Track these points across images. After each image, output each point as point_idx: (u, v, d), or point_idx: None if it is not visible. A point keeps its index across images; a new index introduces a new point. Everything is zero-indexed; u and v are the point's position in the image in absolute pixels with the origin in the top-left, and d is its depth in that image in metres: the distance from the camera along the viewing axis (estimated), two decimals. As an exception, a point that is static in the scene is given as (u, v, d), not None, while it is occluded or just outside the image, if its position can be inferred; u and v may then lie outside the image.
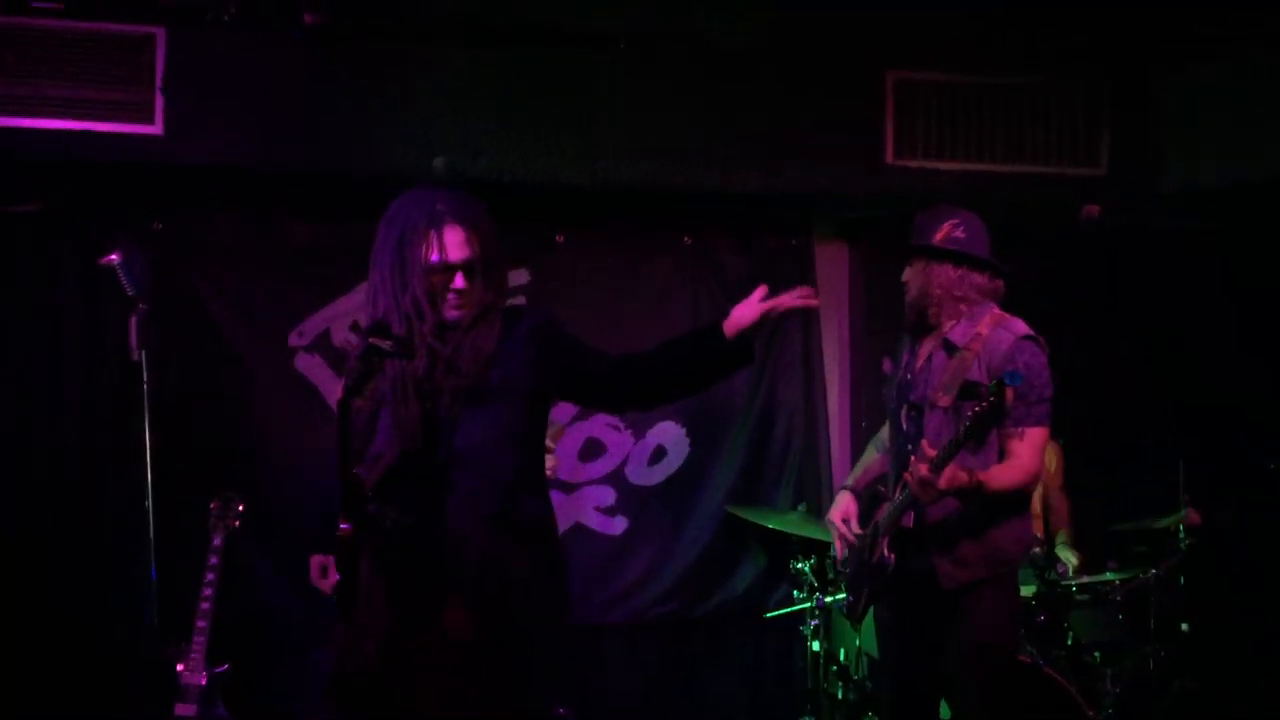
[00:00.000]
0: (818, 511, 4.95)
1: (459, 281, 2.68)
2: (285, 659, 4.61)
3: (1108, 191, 4.63)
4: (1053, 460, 4.61)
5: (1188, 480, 4.32)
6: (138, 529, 3.09)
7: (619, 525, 4.96)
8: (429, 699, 2.66)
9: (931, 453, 2.96)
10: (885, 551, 3.20)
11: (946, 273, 3.22)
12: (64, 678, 4.39)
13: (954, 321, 3.22)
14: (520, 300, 4.89)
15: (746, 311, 2.69)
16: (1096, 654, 4.10)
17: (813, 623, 4.29)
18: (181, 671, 4.00)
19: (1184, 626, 4.21)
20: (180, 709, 3.97)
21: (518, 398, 2.71)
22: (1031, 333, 3.17)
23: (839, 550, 3.46)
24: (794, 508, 4.75)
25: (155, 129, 4.14)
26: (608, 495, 4.94)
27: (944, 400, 3.15)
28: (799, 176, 4.63)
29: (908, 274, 3.32)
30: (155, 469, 3.12)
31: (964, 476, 2.99)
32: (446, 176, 4.32)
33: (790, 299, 2.69)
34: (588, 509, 4.93)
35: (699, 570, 4.99)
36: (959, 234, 3.24)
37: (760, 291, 2.70)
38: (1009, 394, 2.91)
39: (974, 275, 3.24)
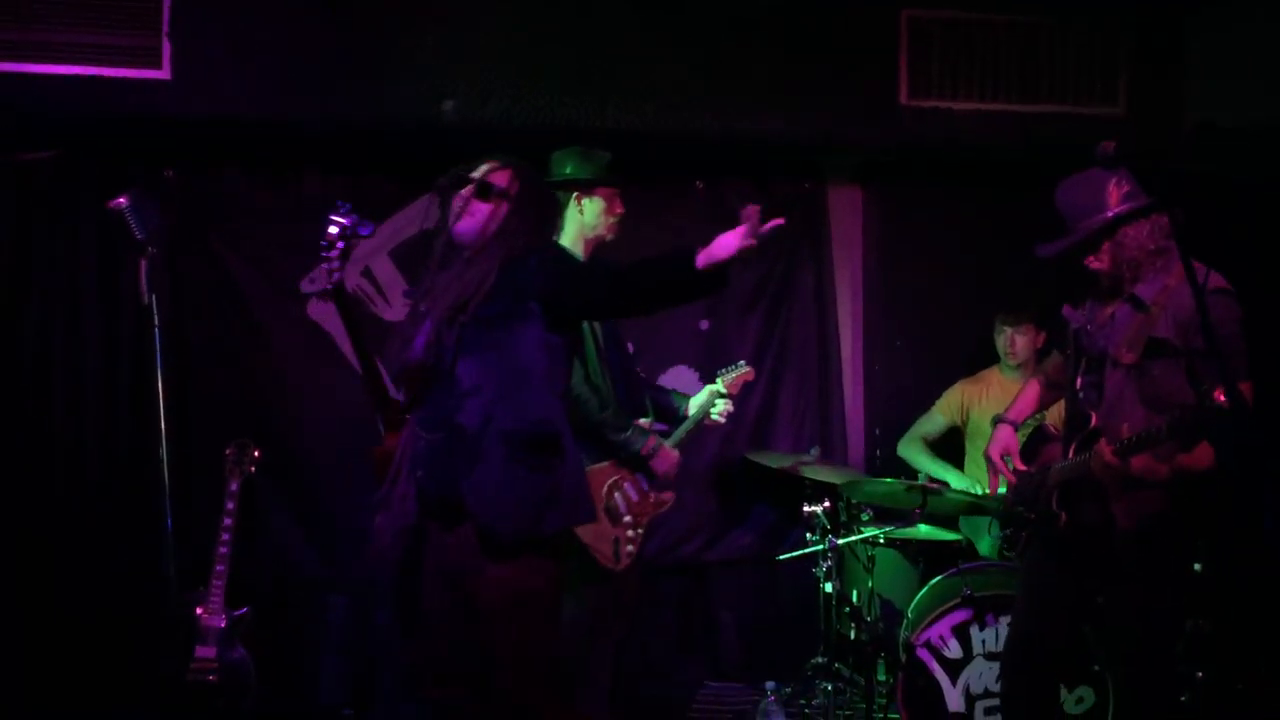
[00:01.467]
0: (830, 455, 4.96)
1: (466, 191, 2.99)
2: (302, 602, 4.67)
3: (1126, 131, 4.57)
4: None
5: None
6: (155, 473, 3.12)
7: (633, 470, 4.97)
8: (440, 612, 2.90)
9: (1125, 433, 2.83)
10: (1054, 505, 3.12)
11: (1135, 233, 3.04)
12: (85, 621, 4.47)
13: (1145, 277, 3.06)
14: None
15: (727, 243, 2.73)
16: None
17: (825, 565, 4.30)
18: (200, 615, 4.06)
19: (1196, 567, 4.21)
20: (200, 651, 4.02)
21: (527, 320, 2.88)
22: (1224, 285, 2.98)
23: (993, 485, 3.36)
24: (807, 451, 4.75)
25: (164, 74, 4.13)
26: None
27: (1128, 357, 3.01)
28: (811, 119, 4.58)
29: (1093, 260, 3.13)
30: (171, 415, 3.15)
31: (1163, 469, 2.89)
32: (455, 121, 4.30)
33: (760, 228, 2.73)
34: (602, 454, 4.94)
35: (713, 514, 5.02)
36: (1126, 187, 3.07)
37: (746, 226, 2.73)
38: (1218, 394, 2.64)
39: (1159, 218, 3.03)
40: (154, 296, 2.81)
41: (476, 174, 2.98)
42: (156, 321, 2.84)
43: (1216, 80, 4.59)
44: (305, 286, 4.75)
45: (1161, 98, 4.66)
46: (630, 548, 3.79)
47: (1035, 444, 3.35)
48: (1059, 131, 4.60)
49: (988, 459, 3.37)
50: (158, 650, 4.10)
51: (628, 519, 3.80)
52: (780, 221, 2.73)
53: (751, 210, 2.67)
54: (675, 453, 3.87)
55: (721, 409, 4.02)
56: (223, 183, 4.73)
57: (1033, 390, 3.48)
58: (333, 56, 4.26)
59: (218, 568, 4.08)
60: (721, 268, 2.72)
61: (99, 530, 4.53)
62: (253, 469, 4.23)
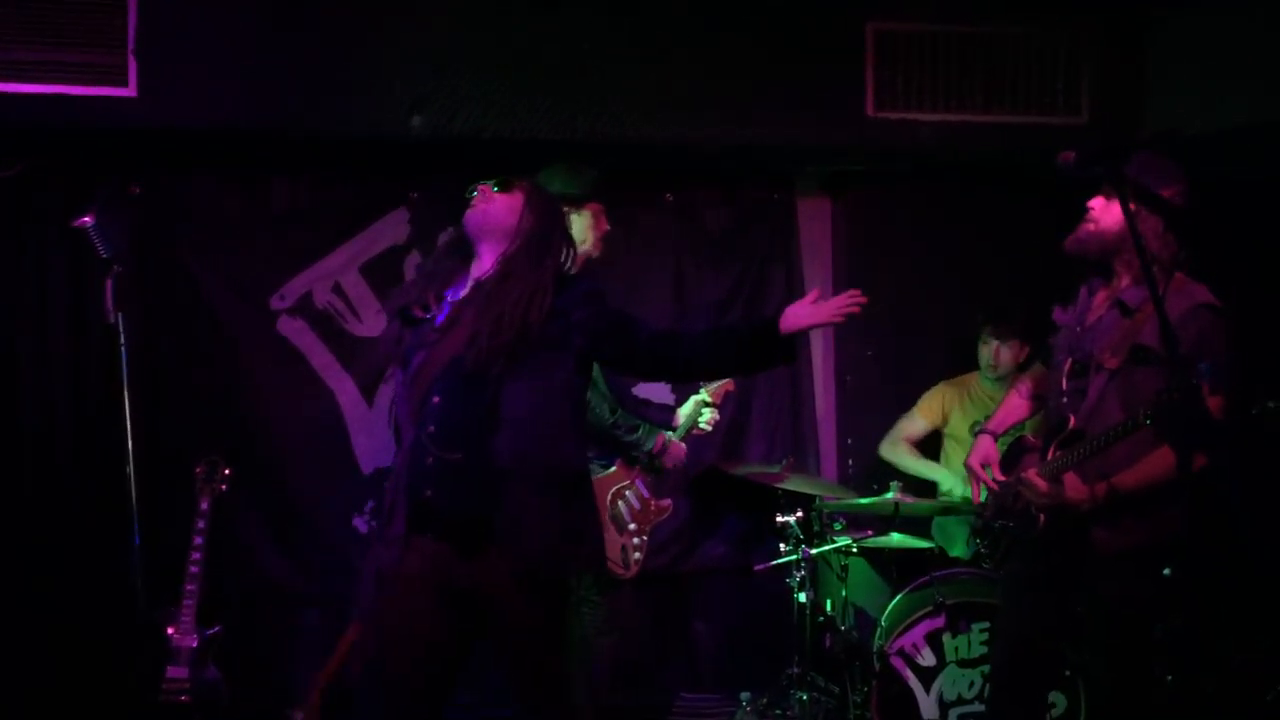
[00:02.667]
0: (802, 465, 4.98)
1: (482, 186, 2.98)
2: (276, 620, 4.64)
3: (1089, 140, 4.62)
4: None
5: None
6: (123, 493, 3.09)
7: (606, 482, 4.98)
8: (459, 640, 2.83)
9: (1050, 455, 2.84)
10: (1032, 509, 3.11)
11: (1154, 227, 2.98)
12: (54, 642, 4.42)
13: (1129, 279, 3.06)
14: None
15: (802, 315, 2.79)
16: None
17: (799, 574, 4.32)
18: (172, 634, 4.03)
19: (1165, 571, 4.25)
20: (172, 671, 3.99)
21: (567, 352, 2.84)
22: (1212, 300, 2.98)
23: (975, 495, 3.37)
24: (779, 462, 4.77)
25: (129, 91, 4.10)
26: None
27: (1111, 362, 3.00)
28: (780, 130, 4.60)
29: (1103, 205, 3.08)
30: (140, 432, 3.13)
31: (1084, 492, 2.92)
32: (424, 134, 4.30)
33: (842, 303, 2.80)
34: (574, 466, 4.94)
35: (686, 525, 5.02)
36: (1180, 201, 3.05)
37: (814, 294, 2.81)
38: (1205, 389, 2.60)
39: (1176, 244, 3.02)
40: (120, 315, 2.78)
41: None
42: (123, 340, 2.82)
43: (1178, 88, 4.65)
44: (275, 303, 4.73)
45: (1123, 106, 4.72)
46: (638, 555, 3.94)
47: (1014, 454, 3.36)
48: (1024, 141, 4.64)
49: (968, 469, 3.39)
50: (129, 670, 4.06)
51: (633, 526, 3.94)
52: (856, 293, 2.81)
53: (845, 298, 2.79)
54: (683, 446, 4.07)
55: (708, 418, 4.15)
56: (190, 197, 4.71)
57: (1015, 401, 3.50)
58: (300, 69, 4.25)
59: (189, 587, 4.05)
60: (798, 337, 2.81)
61: (69, 550, 4.48)
62: (224, 487, 4.21)
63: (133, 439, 2.89)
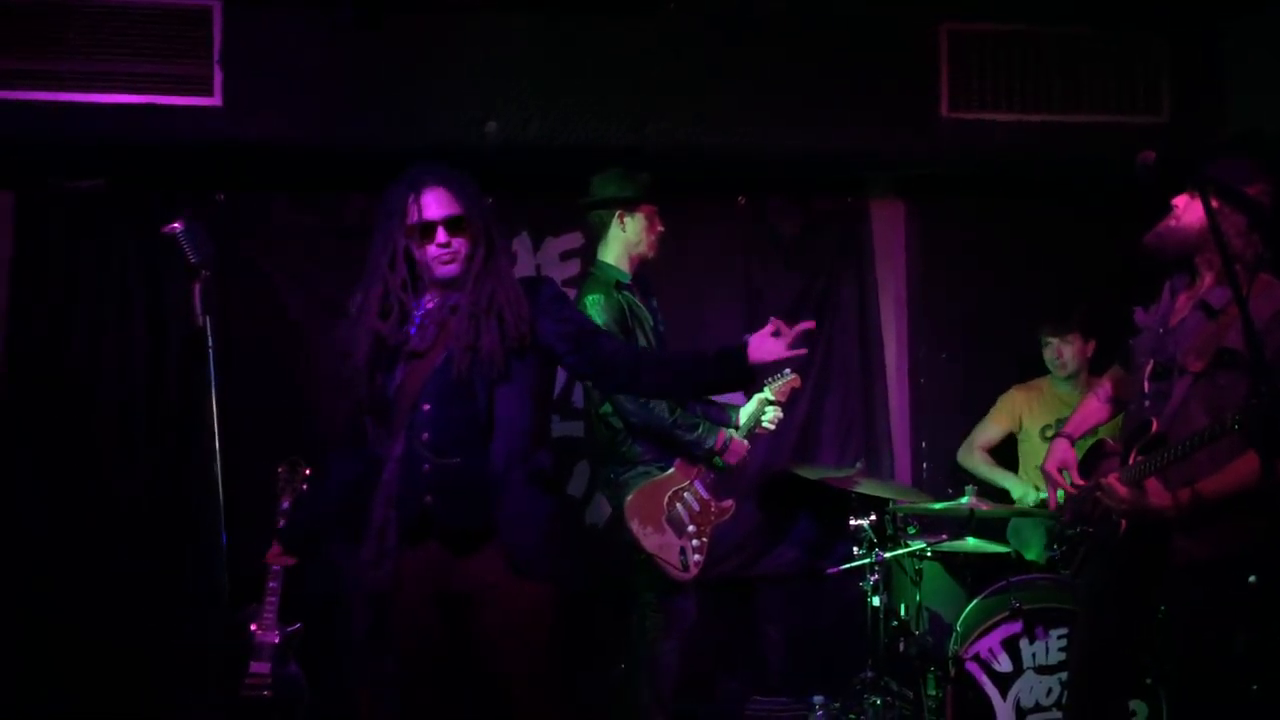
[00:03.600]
0: (876, 469, 4.95)
1: (440, 236, 2.85)
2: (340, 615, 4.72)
3: (1170, 139, 4.54)
4: None
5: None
6: (209, 494, 3.17)
7: (678, 485, 4.99)
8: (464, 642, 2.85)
9: (1131, 461, 2.79)
10: (1114, 515, 3.07)
11: (1238, 225, 2.92)
12: (142, 638, 4.55)
13: (1214, 279, 3.00)
14: (575, 264, 4.93)
15: (766, 349, 2.82)
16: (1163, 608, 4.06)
17: (872, 578, 4.29)
18: (255, 631, 4.11)
19: (1251, 578, 4.16)
20: (255, 666, 4.08)
21: (537, 356, 2.89)
22: None
23: (1051, 501, 3.32)
24: (852, 465, 4.75)
25: (215, 101, 4.21)
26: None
27: (1195, 365, 2.95)
28: (853, 134, 4.60)
29: (1187, 202, 3.03)
30: (223, 435, 3.20)
31: (1168, 500, 2.88)
32: (499, 142, 4.35)
33: (798, 334, 2.84)
34: (647, 470, 4.96)
35: (759, 529, 5.03)
36: (1266, 199, 3.00)
37: (772, 326, 2.83)
38: None
39: (1261, 244, 2.95)
40: (207, 319, 2.86)
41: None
42: (210, 343, 2.89)
43: (1260, 86, 4.55)
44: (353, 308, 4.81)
45: (1204, 105, 4.63)
46: (698, 556, 3.93)
47: (1093, 458, 3.31)
48: (1102, 142, 4.58)
49: (1044, 473, 3.33)
50: (213, 666, 4.16)
51: (691, 529, 3.93)
52: (811, 325, 2.85)
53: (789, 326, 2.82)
54: (745, 443, 4.04)
55: (771, 416, 4.12)
56: (272, 207, 4.81)
57: (1092, 404, 3.45)
58: (377, 82, 4.33)
59: (271, 584, 4.13)
60: (760, 367, 2.84)
61: (154, 550, 4.61)
62: (304, 486, 4.28)
63: (219, 441, 2.95)
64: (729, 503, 4.07)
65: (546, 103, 4.39)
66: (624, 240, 4.03)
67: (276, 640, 4.11)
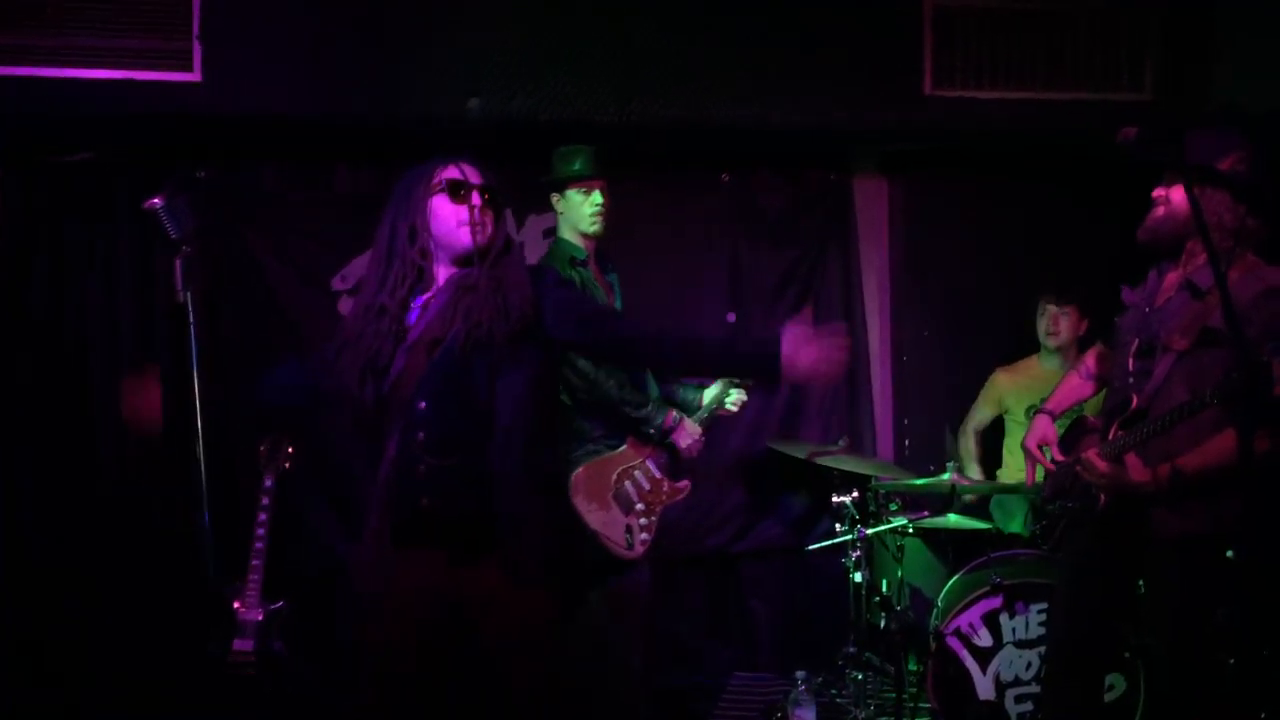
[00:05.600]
0: (858, 445, 4.97)
1: (476, 199, 2.78)
2: (338, 595, 4.73)
3: (1153, 116, 4.55)
4: None
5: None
6: (192, 471, 3.16)
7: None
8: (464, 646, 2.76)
9: (1111, 436, 2.78)
10: (1094, 490, 3.09)
11: (1222, 201, 2.95)
12: (124, 615, 4.55)
13: (1202, 260, 2.97)
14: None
15: (803, 357, 2.70)
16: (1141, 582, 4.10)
17: (854, 555, 4.32)
18: (238, 608, 4.11)
19: (1228, 553, 4.19)
20: (238, 644, 4.08)
21: (539, 345, 2.76)
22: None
23: (1029, 476, 3.33)
24: (835, 441, 4.77)
25: (195, 76, 4.19)
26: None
27: (1180, 344, 2.96)
28: (837, 110, 4.58)
29: (1166, 192, 3.05)
30: (206, 412, 3.19)
31: (1147, 476, 2.88)
32: (482, 117, 4.34)
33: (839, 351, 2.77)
34: (630, 446, 4.97)
35: (742, 505, 5.05)
36: (1242, 168, 3.00)
37: (805, 321, 2.74)
38: (1276, 368, 2.50)
39: (1249, 216, 2.95)
40: (189, 294, 2.84)
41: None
42: (192, 319, 2.87)
43: (1244, 64, 4.56)
44: (337, 284, 4.81)
45: (1188, 82, 4.64)
46: (644, 535, 3.88)
47: (1074, 435, 3.32)
48: (1086, 118, 4.59)
49: (1025, 449, 3.35)
50: (196, 643, 4.17)
51: (640, 506, 3.88)
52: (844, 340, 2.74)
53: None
54: (698, 428, 3.96)
55: (735, 398, 4.08)
56: (254, 181, 4.79)
57: (1073, 381, 3.45)
58: (361, 55, 4.30)
59: (254, 562, 4.13)
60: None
61: (138, 526, 4.61)
62: (287, 464, 4.28)
63: (201, 417, 2.94)
64: (684, 483, 3.99)
65: (531, 78, 4.37)
66: (566, 219, 4.02)
67: (260, 618, 4.11)
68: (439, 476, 2.69)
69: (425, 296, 2.82)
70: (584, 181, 3.97)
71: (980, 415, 4.88)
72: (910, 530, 4.33)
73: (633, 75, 4.44)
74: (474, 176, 2.82)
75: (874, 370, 5.16)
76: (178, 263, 2.79)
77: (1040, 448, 3.32)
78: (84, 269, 4.68)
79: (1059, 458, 3.28)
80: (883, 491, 4.49)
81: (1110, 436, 3.09)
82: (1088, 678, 3.25)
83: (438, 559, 2.72)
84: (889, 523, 4.33)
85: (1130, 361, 3.12)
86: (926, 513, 4.38)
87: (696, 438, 3.97)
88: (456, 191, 2.79)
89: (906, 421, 5.15)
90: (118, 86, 4.17)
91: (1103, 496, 3.09)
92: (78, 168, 4.66)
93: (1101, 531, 3.15)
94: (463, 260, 2.80)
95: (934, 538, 4.52)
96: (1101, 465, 3.03)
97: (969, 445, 4.86)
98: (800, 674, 4.45)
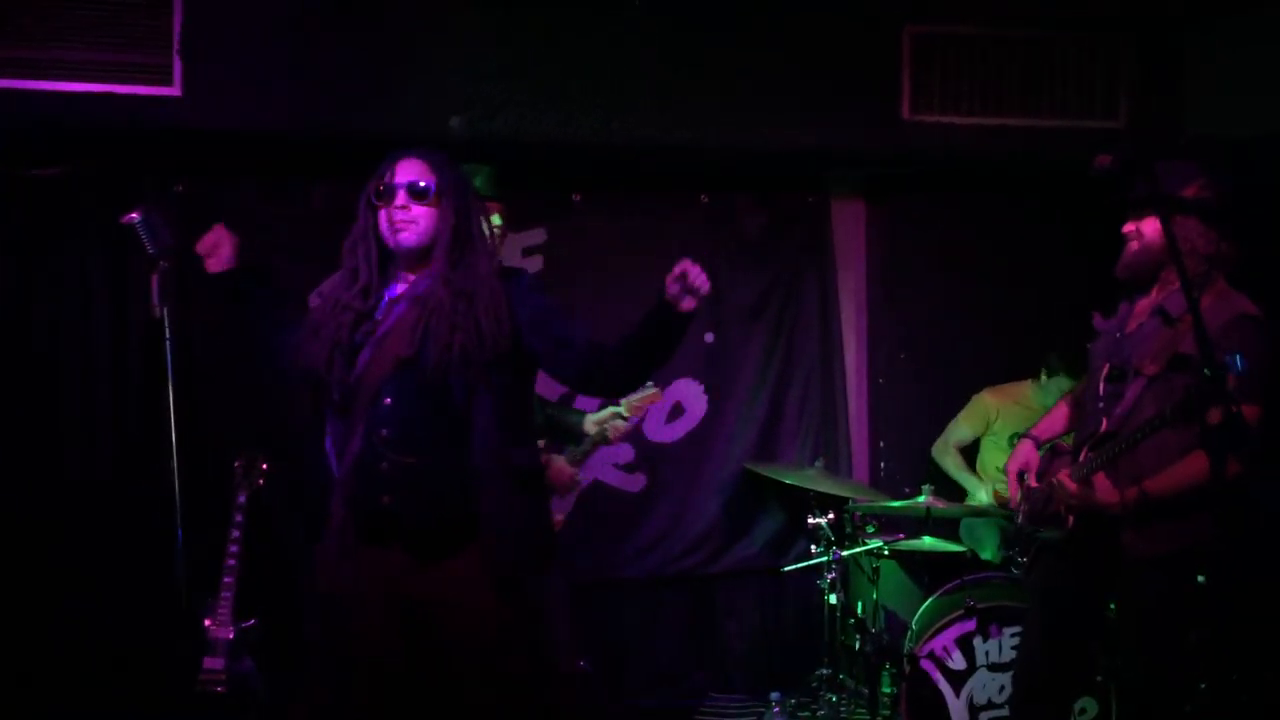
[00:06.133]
0: (834, 467, 4.99)
1: (400, 198, 2.74)
2: (302, 598, 4.69)
3: (1127, 143, 4.60)
4: None
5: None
6: (165, 487, 3.14)
7: (638, 482, 5.00)
8: (436, 642, 2.71)
9: (1081, 457, 2.80)
10: (1063, 512, 3.10)
11: (1193, 228, 3.00)
12: (95, 632, 4.49)
13: (1174, 287, 3.01)
14: (538, 260, 4.93)
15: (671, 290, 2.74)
16: (1112, 605, 4.13)
17: (830, 576, 4.33)
18: (209, 626, 4.07)
19: (1200, 578, 4.22)
20: (208, 662, 4.04)
21: (515, 348, 2.74)
22: (1255, 311, 2.98)
23: (1014, 500, 3.32)
24: (811, 463, 4.78)
25: (174, 91, 4.17)
26: (626, 452, 4.98)
27: (1151, 369, 2.99)
28: (816, 133, 4.62)
29: (1136, 226, 3.10)
30: (180, 428, 3.17)
31: (1114, 497, 2.91)
32: (464, 136, 4.34)
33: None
34: (606, 466, 4.97)
35: (718, 526, 5.04)
36: (1208, 194, 3.04)
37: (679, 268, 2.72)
38: (1230, 380, 2.54)
39: (1221, 241, 3.01)
40: (165, 310, 2.83)
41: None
42: (168, 334, 2.87)
43: (1216, 92, 4.62)
44: (314, 300, 4.77)
45: (1161, 110, 4.70)
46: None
47: (1048, 460, 3.34)
48: (1061, 145, 4.64)
49: (1007, 474, 3.37)
50: (166, 661, 4.12)
51: None
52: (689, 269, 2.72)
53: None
54: (570, 468, 3.74)
55: (620, 427, 3.82)
56: (232, 197, 4.77)
57: (1061, 411, 3.47)
58: (342, 72, 4.30)
59: (226, 579, 4.10)
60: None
61: (109, 542, 4.56)
62: (261, 481, 4.25)
63: (176, 433, 2.92)
64: (559, 517, 3.73)
65: (512, 97, 4.38)
66: None
67: (231, 636, 4.08)
68: (401, 475, 2.67)
69: (396, 289, 2.80)
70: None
71: (960, 432, 4.89)
72: (886, 552, 4.34)
73: (613, 96, 4.45)
74: (405, 174, 2.77)
75: (850, 392, 5.17)
76: (154, 278, 2.79)
77: (1020, 474, 3.33)
78: (56, 283, 4.63)
79: (1033, 484, 3.30)
80: (859, 513, 4.50)
81: (1080, 459, 3.12)
82: (1056, 702, 3.26)
83: (403, 559, 2.68)
84: (865, 545, 4.34)
85: (1101, 386, 3.15)
86: (902, 535, 4.39)
87: (568, 477, 3.73)
88: (379, 195, 2.78)
89: (882, 444, 5.16)
90: (96, 100, 4.15)
91: (1070, 519, 3.10)
92: (50, 182, 4.62)
93: (1071, 555, 3.16)
94: (415, 261, 2.78)
95: (909, 560, 4.53)
96: (1071, 486, 3.06)
97: (955, 460, 4.86)
98: (774, 695, 4.45)
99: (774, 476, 4.64)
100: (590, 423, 3.80)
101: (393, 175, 2.78)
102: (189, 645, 4.06)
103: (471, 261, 2.74)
